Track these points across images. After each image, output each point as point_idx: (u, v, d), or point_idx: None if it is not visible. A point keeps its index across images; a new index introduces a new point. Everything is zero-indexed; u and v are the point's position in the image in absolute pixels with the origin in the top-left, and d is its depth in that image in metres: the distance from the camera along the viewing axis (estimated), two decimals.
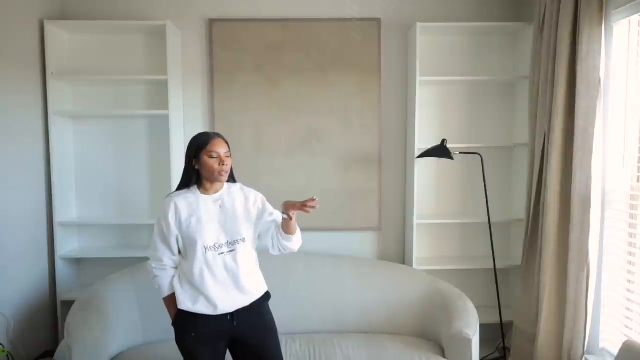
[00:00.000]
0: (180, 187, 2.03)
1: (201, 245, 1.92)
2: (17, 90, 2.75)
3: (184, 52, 3.14)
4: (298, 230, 2.04)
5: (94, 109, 3.15)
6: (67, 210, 3.09)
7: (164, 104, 2.94)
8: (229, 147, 2.00)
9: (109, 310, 2.48)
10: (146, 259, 2.88)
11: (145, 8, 3.12)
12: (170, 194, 2.04)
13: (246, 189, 2.09)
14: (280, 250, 2.07)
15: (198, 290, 1.93)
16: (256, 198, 2.07)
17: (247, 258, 2.00)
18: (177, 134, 3.04)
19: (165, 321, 2.63)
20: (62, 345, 2.27)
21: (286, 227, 1.98)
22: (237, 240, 1.97)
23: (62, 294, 3.01)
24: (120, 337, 2.48)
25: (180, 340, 2.00)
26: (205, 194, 2.00)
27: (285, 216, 1.94)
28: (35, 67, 2.89)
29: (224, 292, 1.94)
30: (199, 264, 1.92)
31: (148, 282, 2.68)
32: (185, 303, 1.95)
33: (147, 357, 2.45)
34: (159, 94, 3.07)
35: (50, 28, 2.92)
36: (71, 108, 3.12)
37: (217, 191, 2.02)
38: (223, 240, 1.95)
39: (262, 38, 3.12)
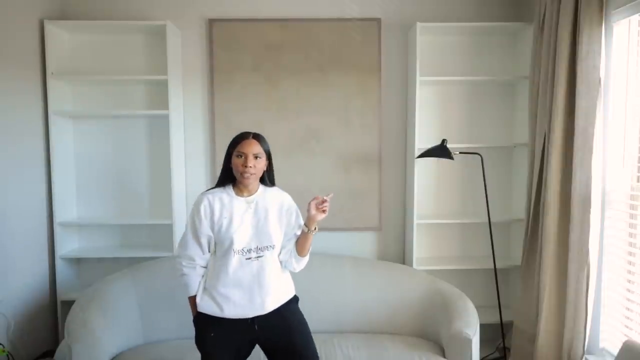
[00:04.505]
0: (217, 185, 2.00)
1: (230, 249, 1.89)
2: (17, 90, 2.75)
3: (184, 52, 3.14)
4: (309, 252, 2.03)
5: (94, 109, 3.15)
6: (67, 210, 3.09)
7: (164, 104, 2.94)
8: (265, 150, 1.97)
9: (109, 311, 2.48)
10: (145, 259, 2.92)
11: (145, 8, 3.12)
12: (205, 191, 2.00)
13: (283, 194, 2.05)
14: (285, 267, 2.05)
15: (220, 293, 1.91)
16: (290, 206, 2.03)
17: (275, 265, 1.97)
18: (177, 134, 3.04)
19: (165, 321, 2.65)
20: (62, 345, 2.27)
21: (301, 246, 1.99)
22: (266, 247, 1.93)
23: (62, 294, 3.01)
24: (120, 337, 2.48)
25: (199, 340, 1.98)
26: (239, 195, 1.96)
27: (305, 228, 1.95)
28: (35, 67, 2.89)
29: (247, 297, 1.92)
30: (225, 267, 1.90)
31: (148, 282, 2.70)
32: (210, 307, 1.92)
33: (147, 357, 2.45)
34: (159, 94, 3.07)
35: (50, 28, 2.92)
36: (71, 108, 3.12)
37: (251, 193, 1.97)
38: (252, 246, 1.92)
39: (262, 38, 3.11)
